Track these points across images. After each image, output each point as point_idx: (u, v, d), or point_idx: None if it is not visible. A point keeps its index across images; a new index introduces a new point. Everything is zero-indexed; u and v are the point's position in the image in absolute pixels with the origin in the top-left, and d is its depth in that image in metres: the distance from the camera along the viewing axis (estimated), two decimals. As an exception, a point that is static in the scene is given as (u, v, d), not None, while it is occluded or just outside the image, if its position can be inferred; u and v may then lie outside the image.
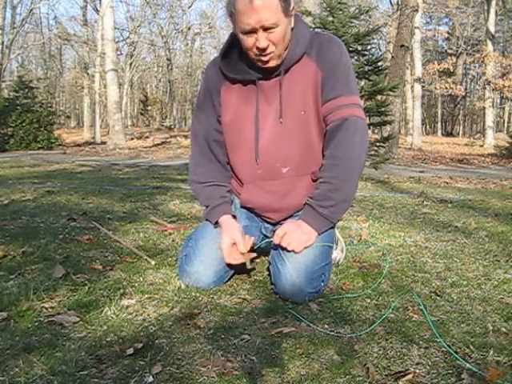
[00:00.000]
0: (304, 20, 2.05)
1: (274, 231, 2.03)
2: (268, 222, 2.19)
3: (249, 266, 2.06)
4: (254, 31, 1.80)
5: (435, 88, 29.81)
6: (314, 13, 7.84)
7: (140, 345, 1.49)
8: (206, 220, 2.15)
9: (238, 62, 1.99)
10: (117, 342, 1.53)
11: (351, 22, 7.04)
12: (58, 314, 1.73)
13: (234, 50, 1.98)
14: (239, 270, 2.13)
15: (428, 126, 45.59)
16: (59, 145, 17.24)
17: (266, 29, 1.79)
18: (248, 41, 1.84)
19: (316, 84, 1.96)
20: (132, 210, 3.98)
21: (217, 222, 2.10)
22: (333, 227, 2.06)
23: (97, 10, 26.28)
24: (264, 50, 1.83)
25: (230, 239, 2.01)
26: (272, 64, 1.90)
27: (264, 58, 1.87)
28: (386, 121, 7.49)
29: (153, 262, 2.39)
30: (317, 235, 1.96)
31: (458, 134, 42.29)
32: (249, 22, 1.78)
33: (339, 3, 6.99)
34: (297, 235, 1.93)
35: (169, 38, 37.81)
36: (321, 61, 1.95)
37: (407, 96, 25.57)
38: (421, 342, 1.58)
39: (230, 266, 2.06)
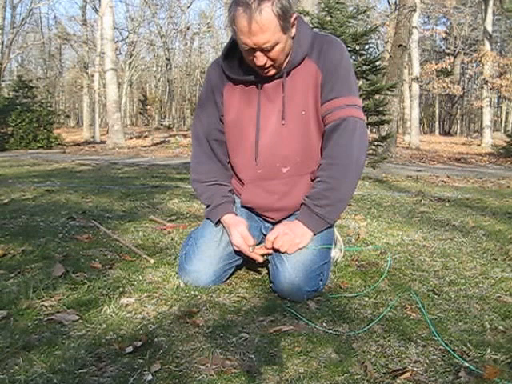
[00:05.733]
0: (304, 20, 2.05)
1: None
2: (268, 222, 2.19)
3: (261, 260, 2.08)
4: (252, 49, 1.82)
5: (433, 87, 29.86)
6: (312, 13, 7.85)
7: (139, 343, 1.50)
8: (207, 219, 2.15)
9: (240, 63, 2.00)
10: (116, 341, 1.54)
11: (349, 22, 7.04)
12: (58, 312, 1.74)
13: (235, 50, 1.99)
14: (250, 261, 2.15)
15: (426, 126, 45.57)
16: (59, 144, 17.24)
17: (263, 49, 1.81)
18: (247, 54, 1.87)
19: (316, 85, 1.96)
20: (131, 209, 3.99)
21: (218, 221, 2.10)
22: (331, 227, 2.06)
23: (96, 10, 26.31)
24: (262, 66, 1.86)
25: (240, 234, 2.01)
26: (271, 74, 1.93)
27: (263, 71, 1.91)
28: (384, 120, 7.50)
29: (152, 261, 2.39)
30: (312, 235, 1.97)
31: (456, 133, 42.31)
32: (247, 43, 1.80)
33: (337, 3, 6.99)
34: (288, 238, 1.93)
35: (168, 37, 37.75)
36: (321, 62, 1.96)
37: (405, 95, 25.61)
38: (418, 341, 1.59)
39: (241, 256, 2.09)
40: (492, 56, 23.02)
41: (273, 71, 1.92)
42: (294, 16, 1.87)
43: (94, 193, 4.96)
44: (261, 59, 1.83)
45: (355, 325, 1.71)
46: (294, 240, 1.93)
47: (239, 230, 2.01)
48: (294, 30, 1.91)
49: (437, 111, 42.20)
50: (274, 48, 1.81)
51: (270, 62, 1.86)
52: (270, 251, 2.00)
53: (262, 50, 1.81)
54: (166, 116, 42.29)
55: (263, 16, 1.74)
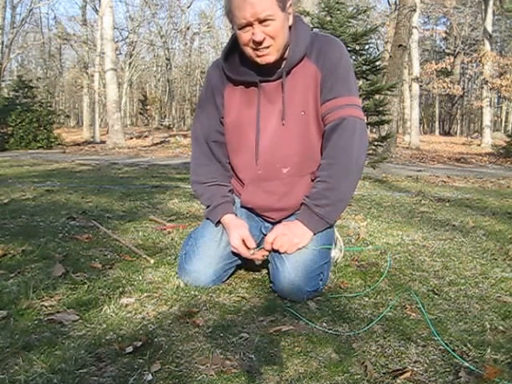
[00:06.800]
0: (304, 21, 2.05)
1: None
2: (268, 221, 2.19)
3: (259, 262, 2.08)
4: (249, 25, 1.80)
5: (433, 87, 29.89)
6: (312, 13, 7.85)
7: (139, 343, 1.50)
8: (207, 219, 2.16)
9: (240, 64, 1.99)
10: (116, 341, 1.54)
11: (349, 22, 7.05)
12: (58, 312, 1.74)
13: (235, 52, 1.99)
14: (249, 262, 2.16)
15: (426, 126, 45.59)
16: (59, 144, 17.23)
17: (261, 21, 1.79)
18: (245, 36, 1.84)
19: (316, 85, 1.96)
20: (131, 209, 3.99)
21: (218, 222, 2.11)
22: (331, 227, 2.06)
23: (96, 10, 26.35)
24: (260, 43, 1.82)
25: (239, 236, 2.01)
26: (270, 59, 1.88)
27: (260, 52, 1.86)
28: (384, 120, 7.50)
29: (152, 261, 2.39)
30: (312, 235, 1.97)
31: (456, 133, 42.32)
32: (244, 16, 1.78)
33: (337, 3, 6.99)
34: (287, 238, 1.93)
35: (168, 37, 37.80)
36: (321, 62, 1.95)
37: (405, 95, 25.63)
38: (418, 341, 1.59)
39: (239, 257, 2.09)
40: (492, 56, 23.02)
41: (271, 56, 1.88)
42: (290, 1, 1.87)
43: (94, 193, 4.96)
44: (259, 34, 1.80)
45: (355, 325, 1.71)
46: (292, 240, 1.93)
47: (240, 233, 2.01)
48: (290, 19, 1.91)
49: (437, 111, 42.20)
50: (271, 22, 1.80)
51: (269, 40, 1.83)
52: (268, 253, 2.00)
53: (260, 23, 1.79)
54: (166, 116, 42.30)
55: None
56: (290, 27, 1.93)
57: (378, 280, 2.16)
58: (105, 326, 1.65)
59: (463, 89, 38.53)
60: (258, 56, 1.88)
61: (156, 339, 1.55)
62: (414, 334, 1.64)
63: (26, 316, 1.70)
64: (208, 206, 2.14)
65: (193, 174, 2.21)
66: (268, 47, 1.85)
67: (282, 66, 1.96)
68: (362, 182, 6.75)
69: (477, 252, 2.78)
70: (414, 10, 13.04)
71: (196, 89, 43.36)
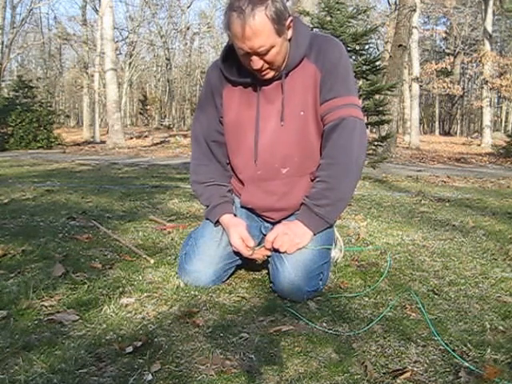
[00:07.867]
0: (303, 21, 2.05)
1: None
2: (268, 222, 2.19)
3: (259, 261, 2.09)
4: (248, 53, 1.82)
5: (433, 87, 29.91)
6: (312, 13, 7.85)
7: (139, 343, 1.50)
8: (207, 219, 2.16)
9: (239, 65, 2.00)
10: (116, 341, 1.53)
11: (349, 22, 7.04)
12: (58, 312, 1.74)
13: (233, 53, 1.99)
14: (249, 261, 2.16)
15: (426, 126, 45.59)
16: (59, 144, 17.22)
17: (258, 54, 1.81)
18: (244, 59, 1.87)
19: (315, 85, 1.96)
20: (131, 209, 3.99)
21: (217, 222, 2.11)
22: (330, 226, 2.06)
23: (96, 10, 26.36)
24: (259, 69, 1.86)
25: (239, 235, 2.01)
26: (269, 76, 1.93)
27: (260, 74, 1.91)
28: (384, 120, 7.51)
29: (152, 261, 2.39)
30: (312, 235, 1.97)
31: (456, 133, 42.33)
32: (242, 48, 1.80)
33: (337, 3, 6.98)
34: (288, 238, 1.93)
35: (168, 37, 37.81)
36: (320, 62, 1.95)
37: (405, 95, 25.63)
38: (418, 341, 1.59)
39: (240, 257, 2.09)
40: (492, 56, 23.03)
41: (270, 74, 1.92)
42: (290, 19, 1.86)
43: (94, 193, 4.96)
44: (257, 63, 1.84)
45: (355, 325, 1.71)
46: (293, 240, 1.93)
47: (239, 231, 2.01)
48: (290, 33, 1.90)
49: (437, 111, 42.20)
50: (269, 52, 1.81)
51: (266, 65, 1.87)
52: (269, 253, 2.00)
53: (258, 54, 1.81)
54: (165, 116, 42.30)
55: (257, 20, 1.74)
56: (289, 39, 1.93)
57: (378, 280, 2.16)
58: (105, 325, 1.65)
59: (463, 89, 38.55)
60: (258, 75, 1.92)
61: (156, 339, 1.55)
62: (414, 333, 1.64)
63: (26, 316, 1.70)
64: (207, 206, 2.15)
65: (192, 174, 2.21)
66: (267, 69, 1.89)
67: (282, 68, 1.96)
68: (362, 181, 6.75)
69: (477, 252, 2.78)
70: (414, 10, 13.04)
71: (196, 89, 43.35)
